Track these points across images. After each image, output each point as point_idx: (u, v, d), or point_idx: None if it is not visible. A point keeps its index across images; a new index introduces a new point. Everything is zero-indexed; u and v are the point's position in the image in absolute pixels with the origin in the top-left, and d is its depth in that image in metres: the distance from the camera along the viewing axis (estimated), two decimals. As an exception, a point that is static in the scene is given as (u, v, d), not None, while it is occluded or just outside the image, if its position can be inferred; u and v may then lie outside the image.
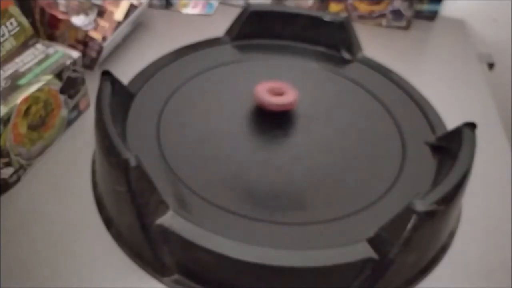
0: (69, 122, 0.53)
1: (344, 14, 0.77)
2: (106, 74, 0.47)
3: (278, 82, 0.53)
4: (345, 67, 0.61)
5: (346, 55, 0.62)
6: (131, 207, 0.38)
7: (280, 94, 0.52)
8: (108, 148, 0.39)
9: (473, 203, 0.48)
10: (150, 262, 0.40)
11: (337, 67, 0.61)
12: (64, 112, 0.52)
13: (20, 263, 0.40)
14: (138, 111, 0.51)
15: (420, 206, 0.36)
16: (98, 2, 0.61)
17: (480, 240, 0.45)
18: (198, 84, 0.56)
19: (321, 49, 0.64)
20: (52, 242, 0.42)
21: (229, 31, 0.64)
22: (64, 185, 0.47)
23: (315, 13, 0.64)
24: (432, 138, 0.51)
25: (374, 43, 0.66)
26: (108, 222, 0.43)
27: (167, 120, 0.51)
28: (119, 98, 0.48)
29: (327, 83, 0.59)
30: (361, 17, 0.77)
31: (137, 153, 0.38)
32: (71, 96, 0.52)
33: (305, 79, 0.60)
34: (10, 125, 0.44)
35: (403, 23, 0.76)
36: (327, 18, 0.62)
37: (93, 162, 0.49)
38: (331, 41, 0.63)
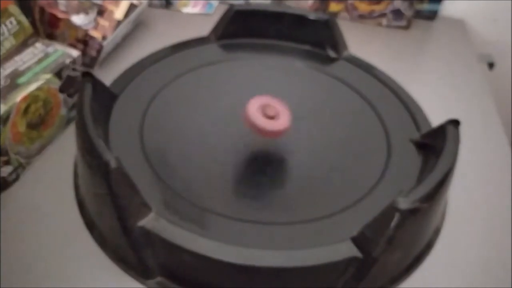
0: (68, 121, 0.53)
1: (344, 14, 0.78)
2: (87, 76, 0.46)
3: (268, 98, 0.46)
4: (331, 65, 0.61)
5: (331, 53, 0.62)
6: (112, 210, 0.37)
7: (272, 116, 0.45)
8: (88, 150, 0.39)
9: (473, 202, 0.47)
10: (133, 265, 0.39)
11: (323, 66, 0.61)
12: (63, 111, 0.52)
13: (20, 262, 0.40)
14: (121, 112, 0.50)
15: (403, 204, 0.36)
16: (98, 1, 0.61)
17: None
18: (183, 84, 0.55)
19: (306, 47, 0.63)
20: (51, 241, 0.42)
21: (214, 31, 0.63)
22: (64, 185, 0.47)
23: (300, 11, 0.64)
24: (417, 136, 0.51)
25: (374, 43, 0.66)
26: (91, 225, 0.43)
27: (150, 121, 0.49)
28: (101, 99, 0.47)
29: (312, 81, 0.59)
30: (361, 17, 0.77)
31: (118, 155, 0.37)
32: (70, 95, 0.52)
33: (290, 77, 0.59)
34: (9, 124, 0.44)
35: (403, 23, 0.76)
36: (312, 16, 0.62)
37: (75, 165, 0.48)
38: (316, 39, 0.62)
